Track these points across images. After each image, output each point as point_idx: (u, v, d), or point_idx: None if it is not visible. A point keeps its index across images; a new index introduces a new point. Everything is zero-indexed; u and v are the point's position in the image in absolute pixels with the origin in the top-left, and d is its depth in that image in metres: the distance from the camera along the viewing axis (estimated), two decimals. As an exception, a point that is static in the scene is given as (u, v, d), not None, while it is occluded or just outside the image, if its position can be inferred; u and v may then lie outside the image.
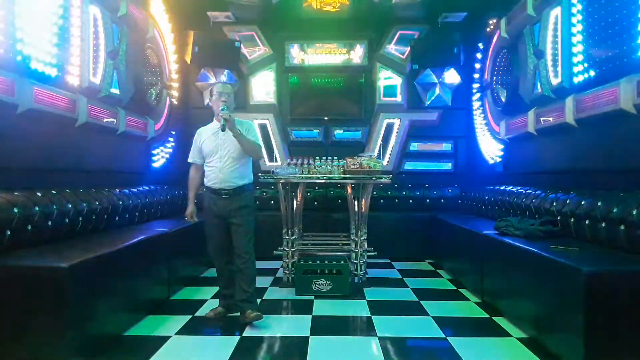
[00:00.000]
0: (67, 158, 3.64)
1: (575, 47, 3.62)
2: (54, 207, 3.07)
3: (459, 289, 4.37)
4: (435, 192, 6.14)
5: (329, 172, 4.30)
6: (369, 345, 2.98)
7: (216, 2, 5.82)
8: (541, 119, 4.16)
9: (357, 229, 4.37)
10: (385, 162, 6.28)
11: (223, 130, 3.18)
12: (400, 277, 4.89)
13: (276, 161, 6.33)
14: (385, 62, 6.44)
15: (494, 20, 5.43)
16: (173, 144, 5.78)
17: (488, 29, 5.63)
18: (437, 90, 6.38)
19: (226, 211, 3.32)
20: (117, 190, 4.12)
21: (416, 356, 2.98)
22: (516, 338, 3.07)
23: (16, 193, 2.83)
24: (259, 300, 3.72)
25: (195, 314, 3.57)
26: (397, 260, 5.65)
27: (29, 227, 2.83)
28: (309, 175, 4.30)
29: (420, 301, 3.96)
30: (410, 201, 6.11)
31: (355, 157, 4.35)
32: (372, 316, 3.55)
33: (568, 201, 3.47)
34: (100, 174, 4.13)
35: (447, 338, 3.09)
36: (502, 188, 4.88)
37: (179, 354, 2.85)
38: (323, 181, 4.30)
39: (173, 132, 5.79)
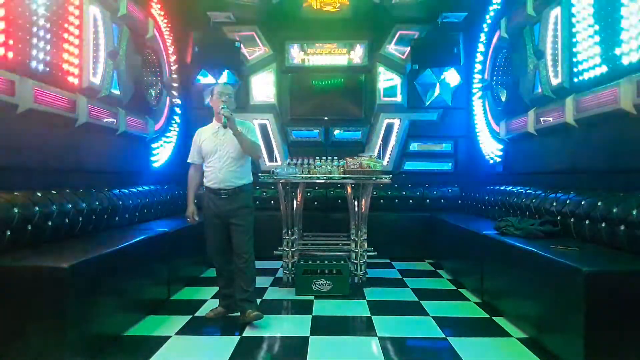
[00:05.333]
0: (67, 158, 3.64)
1: (575, 47, 3.62)
2: (54, 207, 3.07)
3: (459, 289, 4.37)
4: (435, 192, 6.14)
5: (329, 172, 4.30)
6: (369, 345, 2.98)
7: (216, 2, 5.83)
8: (541, 119, 4.16)
9: (357, 229, 4.37)
10: (385, 162, 6.28)
11: (225, 127, 3.19)
12: (400, 277, 4.89)
13: (276, 161, 6.33)
14: (385, 62, 6.44)
15: (494, 21, 5.43)
16: (173, 144, 5.78)
17: (488, 29, 5.63)
18: (437, 90, 6.39)
19: (225, 211, 3.32)
20: (117, 190, 4.12)
21: (416, 356, 2.98)
22: (516, 338, 3.07)
23: (16, 193, 2.83)
24: (259, 300, 3.72)
25: (195, 314, 3.57)
26: (397, 260, 5.64)
27: (29, 227, 2.83)
28: (309, 175, 4.30)
29: (420, 301, 3.96)
30: (410, 201, 6.11)
31: (355, 157, 4.35)
32: (372, 316, 3.55)
33: (568, 201, 3.47)
34: (101, 174, 4.13)
35: (447, 338, 3.09)
36: (502, 188, 4.88)
37: (179, 354, 2.85)
38: (323, 181, 4.29)
39: (173, 132, 5.79)
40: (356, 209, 4.40)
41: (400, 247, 5.74)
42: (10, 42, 2.87)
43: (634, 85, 2.88)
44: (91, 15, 3.80)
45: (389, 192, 6.06)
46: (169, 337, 3.08)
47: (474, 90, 6.10)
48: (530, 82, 4.38)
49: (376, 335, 3.13)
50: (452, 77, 6.34)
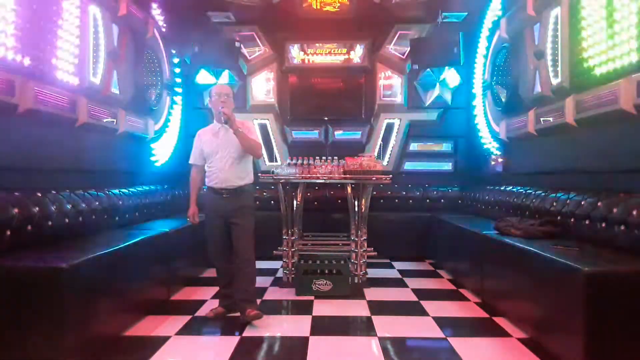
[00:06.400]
0: (67, 158, 3.63)
1: (575, 47, 3.61)
2: (54, 207, 3.07)
3: (459, 289, 4.37)
4: (435, 192, 6.14)
5: (329, 172, 4.30)
6: (369, 345, 2.98)
7: (216, 2, 5.82)
8: (541, 119, 4.16)
9: (357, 229, 4.37)
10: (385, 162, 6.28)
11: (226, 123, 3.21)
12: (400, 277, 4.89)
13: (276, 161, 6.33)
14: (385, 62, 6.44)
15: (494, 21, 5.43)
16: (173, 144, 5.77)
17: (488, 29, 5.63)
18: (437, 90, 6.38)
19: (226, 211, 3.33)
20: (117, 190, 4.11)
21: (416, 356, 2.99)
22: (516, 338, 3.07)
23: (16, 193, 2.83)
24: (258, 301, 3.72)
25: (195, 314, 3.57)
26: (397, 260, 5.64)
27: (29, 227, 2.82)
28: (309, 175, 4.30)
29: (420, 301, 3.95)
30: (410, 201, 6.11)
31: (355, 157, 4.35)
32: (372, 316, 3.55)
33: (568, 201, 3.47)
34: (100, 174, 4.12)
35: (447, 338, 3.09)
36: (502, 188, 4.88)
37: (179, 354, 2.85)
38: (323, 181, 4.30)
39: (173, 133, 5.78)
40: (356, 209, 4.40)
41: (400, 247, 5.74)
42: (11, 41, 2.87)
43: (634, 85, 2.88)
44: (91, 15, 3.80)
45: (389, 192, 6.06)
46: (169, 337, 3.07)
47: (474, 91, 6.10)
48: (530, 82, 4.38)
49: (376, 335, 3.13)
50: (452, 77, 6.34)
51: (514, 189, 4.54)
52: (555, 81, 3.92)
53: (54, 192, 3.19)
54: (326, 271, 4.14)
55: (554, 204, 3.65)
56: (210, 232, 3.45)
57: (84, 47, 3.70)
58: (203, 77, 6.38)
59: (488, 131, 5.62)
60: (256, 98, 6.48)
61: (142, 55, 4.95)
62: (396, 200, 6.09)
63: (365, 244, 4.39)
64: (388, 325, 3.34)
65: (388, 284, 4.59)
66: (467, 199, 5.83)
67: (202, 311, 3.62)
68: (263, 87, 6.48)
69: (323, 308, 3.75)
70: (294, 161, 4.47)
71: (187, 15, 5.99)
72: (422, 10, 6.02)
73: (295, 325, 3.34)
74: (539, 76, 4.21)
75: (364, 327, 3.37)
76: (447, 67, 6.28)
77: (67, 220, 3.20)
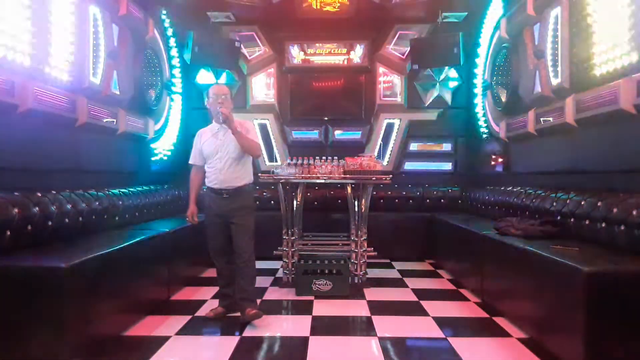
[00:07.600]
0: (67, 158, 3.64)
1: (575, 47, 3.61)
2: (54, 207, 3.07)
3: (459, 289, 4.37)
4: (435, 192, 6.14)
5: (329, 172, 4.30)
6: (369, 345, 2.98)
7: (216, 2, 5.82)
8: (541, 119, 4.16)
9: (357, 229, 4.37)
10: (385, 162, 6.29)
11: (224, 123, 3.22)
12: (400, 277, 4.89)
13: (276, 161, 6.33)
14: (385, 62, 6.44)
15: (494, 21, 5.43)
16: (173, 144, 5.77)
17: (488, 29, 5.63)
18: (437, 90, 6.39)
19: (226, 211, 3.34)
20: (117, 190, 4.11)
21: (416, 356, 2.99)
22: (516, 338, 3.07)
23: (16, 193, 2.83)
24: (259, 300, 3.72)
25: (195, 314, 3.57)
26: (397, 260, 5.64)
27: (29, 227, 2.82)
28: (309, 175, 4.30)
29: (420, 301, 3.95)
30: (410, 201, 6.11)
31: (355, 157, 4.35)
32: (372, 316, 3.55)
33: (568, 201, 3.47)
34: (101, 174, 4.13)
35: (447, 338, 3.09)
36: (502, 188, 4.88)
37: (179, 354, 2.85)
38: (323, 181, 4.30)
39: (173, 133, 5.78)
40: (356, 209, 4.40)
41: (400, 247, 5.74)
42: (10, 42, 2.87)
43: (634, 85, 2.88)
44: (91, 15, 3.80)
45: (389, 192, 6.06)
46: (169, 337, 3.08)
47: (474, 90, 6.10)
48: (530, 82, 4.38)
49: (376, 335, 3.13)
50: (452, 77, 6.34)
51: (514, 189, 4.54)
52: (555, 81, 3.92)
53: (54, 192, 3.19)
54: (326, 271, 4.14)
55: (554, 204, 3.65)
56: (211, 231, 3.45)
57: (83, 47, 3.70)
58: (203, 77, 6.39)
59: (488, 131, 5.63)
60: (256, 98, 6.48)
61: (142, 55, 4.95)
62: (396, 200, 6.10)
63: (365, 244, 4.39)
64: (388, 325, 3.34)
65: (388, 284, 4.59)
66: (467, 199, 5.83)
67: (202, 311, 3.62)
68: (263, 87, 6.48)
69: (323, 308, 3.75)
70: (294, 161, 4.47)
71: (187, 15, 6.00)
72: (422, 10, 6.02)
73: (295, 325, 3.34)
74: (539, 76, 4.21)
75: (364, 327, 3.37)
76: (447, 67, 6.29)
77: (67, 220, 3.20)
